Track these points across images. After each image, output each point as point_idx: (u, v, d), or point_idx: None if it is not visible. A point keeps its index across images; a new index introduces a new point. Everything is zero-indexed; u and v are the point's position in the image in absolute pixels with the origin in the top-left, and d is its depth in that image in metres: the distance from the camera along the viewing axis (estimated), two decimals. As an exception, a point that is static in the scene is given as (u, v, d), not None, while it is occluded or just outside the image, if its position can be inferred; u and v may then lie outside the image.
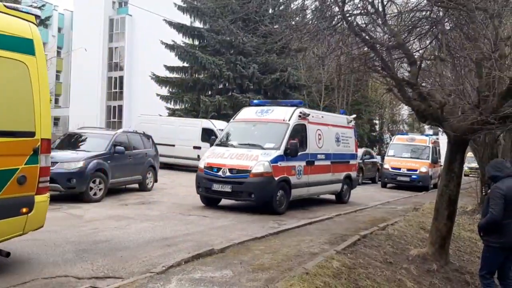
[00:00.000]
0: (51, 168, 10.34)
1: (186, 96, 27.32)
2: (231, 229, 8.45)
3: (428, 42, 8.03)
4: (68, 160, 10.86)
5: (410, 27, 7.52)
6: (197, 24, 29.29)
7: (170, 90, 28.62)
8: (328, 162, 12.46)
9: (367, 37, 7.44)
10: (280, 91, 27.19)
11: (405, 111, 37.94)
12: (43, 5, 23.76)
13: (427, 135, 23.55)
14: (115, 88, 47.61)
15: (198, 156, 20.58)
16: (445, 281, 7.00)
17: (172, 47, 27.20)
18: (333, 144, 12.88)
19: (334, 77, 23.72)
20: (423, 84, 8.30)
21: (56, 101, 53.58)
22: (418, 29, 7.61)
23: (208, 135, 20.79)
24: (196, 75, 28.23)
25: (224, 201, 11.35)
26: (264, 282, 5.05)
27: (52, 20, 53.74)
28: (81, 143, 12.52)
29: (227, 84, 27.18)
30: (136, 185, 13.48)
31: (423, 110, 7.18)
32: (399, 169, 20.87)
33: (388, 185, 21.46)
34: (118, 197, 11.90)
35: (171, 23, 27.66)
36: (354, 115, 15.67)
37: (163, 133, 20.90)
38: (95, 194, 11.05)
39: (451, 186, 7.41)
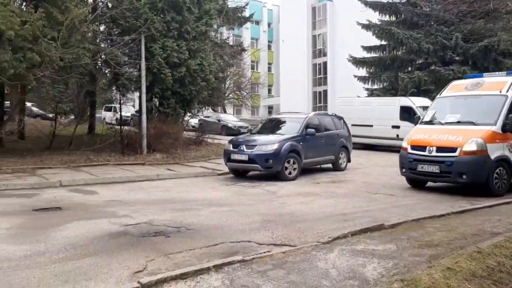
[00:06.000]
0: (252, 150, 11.86)
1: (384, 75, 26.79)
2: (413, 208, 8.28)
3: None
4: (265, 143, 12.15)
5: None
6: (392, -1, 28.27)
7: (368, 70, 28.43)
8: None
9: None
10: (490, 60, 24.29)
11: None
12: (247, 4, 26.48)
13: None
14: (319, 74, 49.62)
15: (397, 135, 20.20)
16: None
17: (368, 26, 26.96)
18: None
19: None
20: None
21: (269, 91, 58.67)
22: None
23: (407, 113, 20.14)
24: (394, 52, 27.37)
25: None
26: (428, 258, 4.96)
27: (262, 17, 58.94)
28: (278, 127, 13.78)
29: (427, 58, 25.55)
30: (330, 165, 14.13)
31: None
32: (423, 148, 10.06)
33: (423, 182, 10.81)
34: (312, 176, 12.72)
35: (366, 2, 27.37)
36: None
37: (360, 114, 21.10)
38: (290, 173, 12.08)
39: None
